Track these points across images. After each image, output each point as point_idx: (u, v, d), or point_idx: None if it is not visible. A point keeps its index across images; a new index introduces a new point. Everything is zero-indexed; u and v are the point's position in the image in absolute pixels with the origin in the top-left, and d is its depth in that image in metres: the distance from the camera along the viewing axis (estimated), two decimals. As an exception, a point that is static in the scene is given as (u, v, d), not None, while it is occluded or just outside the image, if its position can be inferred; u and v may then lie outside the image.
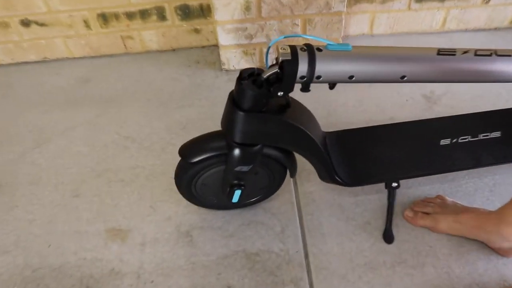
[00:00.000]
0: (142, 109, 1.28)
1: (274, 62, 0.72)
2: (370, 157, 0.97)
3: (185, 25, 1.40)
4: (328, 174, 0.92)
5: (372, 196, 1.08)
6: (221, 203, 1.02)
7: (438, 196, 1.05)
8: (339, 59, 0.70)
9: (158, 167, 1.14)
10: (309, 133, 0.81)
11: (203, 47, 1.47)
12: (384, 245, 1.00)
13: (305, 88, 0.73)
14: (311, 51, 0.69)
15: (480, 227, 0.95)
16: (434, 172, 0.96)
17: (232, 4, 1.20)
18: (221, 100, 1.30)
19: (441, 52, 0.74)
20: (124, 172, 1.13)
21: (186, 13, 1.37)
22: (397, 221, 1.03)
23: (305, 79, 0.71)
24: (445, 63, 0.74)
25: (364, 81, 0.74)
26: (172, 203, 1.06)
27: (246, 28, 1.27)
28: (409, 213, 1.03)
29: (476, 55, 0.76)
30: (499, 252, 0.99)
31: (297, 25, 1.28)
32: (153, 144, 1.19)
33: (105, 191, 1.09)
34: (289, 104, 0.78)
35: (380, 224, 1.03)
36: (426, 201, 1.05)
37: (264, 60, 0.77)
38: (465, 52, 0.75)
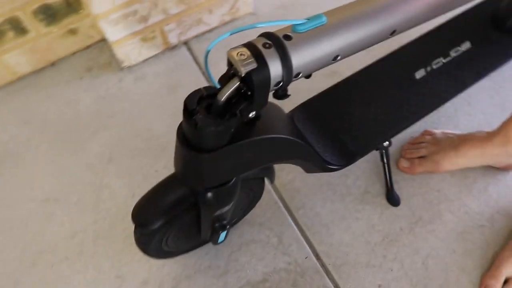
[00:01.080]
0: (48, 156, 1.00)
1: (227, 72, 0.51)
2: (352, 125, 0.81)
3: (55, 30, 1.09)
4: (316, 165, 0.75)
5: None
6: (200, 242, 0.83)
7: (425, 132, 0.94)
8: (316, 40, 0.51)
9: (101, 222, 0.90)
10: (288, 136, 0.63)
11: (88, 47, 1.18)
12: (393, 209, 0.89)
13: (283, 95, 0.53)
14: (279, 44, 0.49)
15: (485, 154, 0.86)
16: (425, 113, 0.83)
17: (108, -11, 0.93)
18: (138, 107, 1.05)
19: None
20: (63, 247, 0.88)
21: (50, 15, 1.06)
22: (394, 177, 0.91)
23: (281, 84, 0.51)
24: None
25: (350, 54, 0.55)
26: (140, 262, 0.85)
27: (136, 10, 1.00)
28: (404, 164, 0.91)
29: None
30: (506, 168, 0.91)
31: (195, -13, 1.03)
32: (82, 196, 0.94)
33: (51, 281, 0.85)
34: (259, 116, 0.58)
35: (379, 188, 0.91)
36: (415, 142, 0.93)
37: (206, 72, 0.55)
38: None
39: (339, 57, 0.54)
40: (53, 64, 1.16)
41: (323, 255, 0.84)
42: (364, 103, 0.84)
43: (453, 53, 0.89)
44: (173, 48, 1.15)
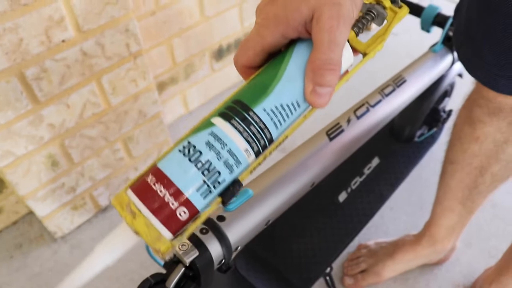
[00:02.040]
0: None
1: (170, 258, 0.54)
2: (292, 260, 0.85)
3: (-23, 215, 1.07)
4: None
5: None
6: None
7: (360, 246, 1.01)
8: (248, 214, 0.56)
9: None
10: None
11: (15, 223, 1.15)
12: None
13: (226, 269, 0.57)
14: (214, 227, 0.53)
15: (417, 256, 0.94)
16: (356, 232, 0.90)
17: (33, 170, 0.95)
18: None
19: (329, 133, 0.67)
20: None
21: (-29, 201, 1.04)
22: (344, 296, 0.95)
23: (223, 261, 0.54)
24: (342, 142, 0.67)
25: (279, 215, 0.61)
26: None
27: (63, 183, 1.02)
28: (349, 281, 0.96)
29: (357, 117, 0.71)
30: (438, 263, 0.99)
31: (119, 149, 1.08)
32: None
33: None
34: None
35: None
36: (353, 258, 0.99)
37: (152, 258, 0.58)
38: (348, 120, 0.70)
39: (270, 221, 0.59)
40: (-22, 248, 1.11)
41: None
42: (298, 237, 0.89)
43: (366, 171, 0.99)
44: (104, 209, 1.16)
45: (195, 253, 0.51)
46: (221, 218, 0.54)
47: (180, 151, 0.37)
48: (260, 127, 0.38)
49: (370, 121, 0.74)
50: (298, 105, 0.40)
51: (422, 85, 0.89)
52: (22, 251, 1.10)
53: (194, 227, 0.39)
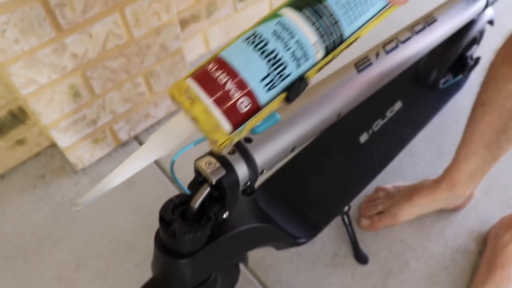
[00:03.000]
0: (9, 275, 0.97)
1: (195, 179, 0.55)
2: (311, 197, 0.87)
3: (1, 144, 1.09)
4: (285, 242, 0.79)
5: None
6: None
7: (378, 189, 1.01)
8: (274, 138, 0.56)
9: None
10: (259, 224, 0.67)
11: (38, 154, 1.18)
12: (363, 267, 0.94)
13: (251, 192, 0.58)
14: (241, 148, 0.54)
15: (435, 200, 0.94)
16: (375, 174, 0.91)
17: (56, 99, 0.95)
18: (98, 208, 1.06)
19: (358, 65, 0.66)
20: None
21: (-5, 129, 1.06)
22: (358, 236, 0.96)
23: (249, 183, 0.55)
24: (370, 75, 0.67)
25: (303, 143, 0.61)
26: None
27: (85, 115, 1.03)
28: (365, 222, 0.97)
29: (386, 52, 0.69)
30: (455, 209, 0.99)
31: (140, 83, 1.08)
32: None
33: None
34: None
35: (347, 250, 0.96)
36: (371, 200, 1.00)
37: (174, 179, 0.59)
38: (377, 54, 0.68)
39: (295, 147, 0.60)
40: (2, 176, 1.14)
41: (307, 326, 0.86)
42: (318, 174, 0.90)
43: (388, 114, 0.99)
44: (124, 144, 1.17)
45: (222, 173, 0.51)
46: (248, 140, 0.55)
47: (244, 40, 0.35)
48: (332, 21, 0.36)
49: (398, 57, 0.73)
50: (375, 1, 0.37)
51: (453, 27, 0.87)
52: (44, 181, 1.13)
53: (249, 128, 0.36)
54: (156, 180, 1.10)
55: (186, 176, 0.56)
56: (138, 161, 0.38)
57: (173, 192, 1.08)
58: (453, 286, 0.90)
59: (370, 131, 0.95)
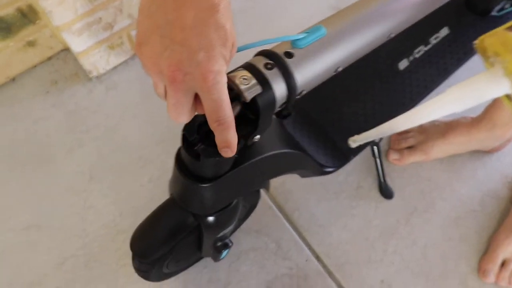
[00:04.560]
0: (22, 182, 0.95)
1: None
2: (342, 123, 0.81)
3: (11, 44, 1.02)
4: (312, 170, 0.75)
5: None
6: (200, 257, 0.81)
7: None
8: (319, 55, 0.50)
9: (91, 245, 0.87)
10: (287, 150, 0.62)
11: (50, 58, 1.11)
12: (387, 202, 0.91)
13: (286, 115, 0.52)
14: (281, 64, 0.47)
15: (471, 140, 0.88)
16: (414, 103, 0.84)
17: (69, -2, 0.87)
18: (113, 118, 1.01)
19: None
20: (53, 276, 0.84)
21: (3, 28, 0.99)
22: (385, 169, 0.91)
23: (286, 104, 0.49)
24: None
25: (348, 64, 0.55)
26: (137, 283, 0.83)
27: (100, 18, 0.96)
28: (394, 155, 0.93)
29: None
30: (490, 151, 0.94)
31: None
32: (66, 220, 0.90)
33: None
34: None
35: (372, 182, 0.92)
36: (402, 133, 0.94)
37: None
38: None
39: (339, 68, 0.53)
40: (13, 79, 1.09)
41: (324, 256, 0.85)
42: (351, 99, 0.84)
43: (433, 40, 0.90)
44: (143, 52, 1.10)
45: (257, 90, 0.45)
46: (289, 54, 0.48)
47: None
48: None
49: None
50: None
51: None
52: (57, 87, 1.08)
53: None
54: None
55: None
56: (427, 112, 0.35)
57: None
58: (479, 230, 0.87)
59: (411, 58, 0.87)
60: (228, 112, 0.39)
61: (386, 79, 0.86)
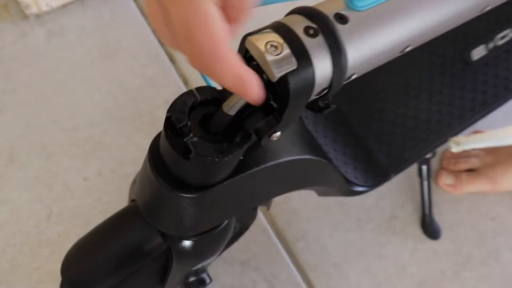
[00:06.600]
0: None
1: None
2: (383, 126, 0.80)
3: None
4: (336, 188, 0.73)
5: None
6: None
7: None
8: (384, 23, 0.46)
9: None
10: (310, 156, 0.61)
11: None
12: (431, 243, 0.91)
13: (324, 107, 0.48)
14: (329, 30, 0.43)
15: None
16: (487, 109, 0.83)
17: None
18: (55, 78, 0.99)
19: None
20: None
21: None
22: (433, 197, 0.92)
23: (327, 91, 0.45)
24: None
25: (421, 43, 0.51)
26: None
27: None
28: (447, 180, 0.93)
29: None
30: None
31: None
32: None
33: None
34: None
35: (412, 212, 0.93)
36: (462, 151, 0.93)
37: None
38: None
39: (408, 48, 0.49)
40: None
41: (334, 310, 0.83)
42: (400, 95, 0.83)
43: (524, 22, 0.89)
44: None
45: (291, 64, 0.40)
46: (341, 18, 0.43)
47: None
48: None
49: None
50: None
51: None
52: (-23, 22, 1.04)
53: None
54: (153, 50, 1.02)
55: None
56: None
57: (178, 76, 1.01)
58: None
59: (491, 45, 0.85)
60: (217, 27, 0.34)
61: (450, 71, 0.85)
